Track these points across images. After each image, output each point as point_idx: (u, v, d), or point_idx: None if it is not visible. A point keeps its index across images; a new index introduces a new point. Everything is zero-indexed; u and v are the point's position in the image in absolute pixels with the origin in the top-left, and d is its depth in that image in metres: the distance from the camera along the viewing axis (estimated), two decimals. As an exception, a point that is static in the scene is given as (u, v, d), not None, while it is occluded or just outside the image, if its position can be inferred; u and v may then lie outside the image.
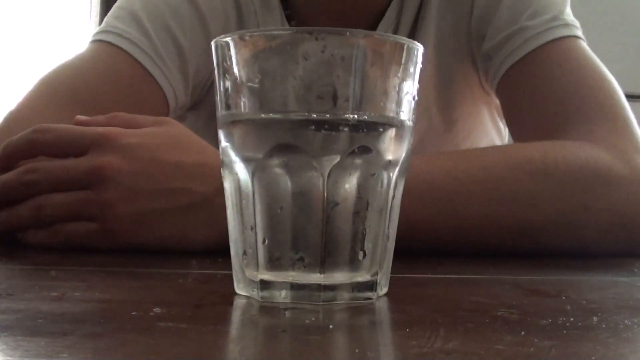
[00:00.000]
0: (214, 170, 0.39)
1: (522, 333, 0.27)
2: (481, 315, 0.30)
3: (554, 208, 0.54)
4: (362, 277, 0.32)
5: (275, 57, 0.32)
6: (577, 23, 0.71)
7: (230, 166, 0.33)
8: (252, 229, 0.32)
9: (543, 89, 0.68)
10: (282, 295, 0.31)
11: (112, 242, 0.48)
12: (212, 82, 0.74)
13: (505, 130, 0.87)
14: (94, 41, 0.72)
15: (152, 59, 0.71)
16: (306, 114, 0.31)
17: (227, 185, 0.34)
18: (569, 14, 0.71)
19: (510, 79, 0.71)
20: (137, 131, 0.50)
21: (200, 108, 0.81)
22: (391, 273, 0.35)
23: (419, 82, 0.34)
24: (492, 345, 0.25)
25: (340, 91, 0.31)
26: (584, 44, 0.70)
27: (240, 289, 0.33)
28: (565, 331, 0.28)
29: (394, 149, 0.33)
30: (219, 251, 0.43)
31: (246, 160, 0.32)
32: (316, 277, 0.31)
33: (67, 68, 0.71)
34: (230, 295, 0.33)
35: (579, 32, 0.71)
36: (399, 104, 0.32)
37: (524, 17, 0.70)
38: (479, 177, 0.54)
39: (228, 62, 0.32)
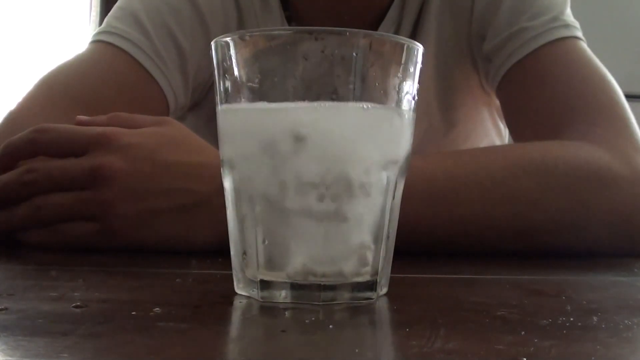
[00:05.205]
0: (214, 170, 0.39)
1: (522, 333, 0.27)
2: (481, 315, 0.30)
3: (554, 208, 0.54)
4: (362, 277, 0.32)
5: (275, 57, 0.32)
6: (577, 24, 0.71)
7: (230, 166, 0.33)
8: (252, 229, 0.32)
9: (543, 90, 0.68)
10: (282, 295, 0.31)
11: (112, 242, 0.48)
12: (213, 83, 0.74)
13: (505, 131, 0.87)
14: (94, 41, 0.72)
15: (152, 59, 0.71)
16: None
17: (227, 185, 0.34)
18: (569, 15, 0.71)
19: (511, 80, 0.71)
20: (137, 131, 0.50)
21: (201, 108, 0.81)
22: (391, 273, 0.35)
23: (420, 83, 0.34)
24: (492, 345, 0.25)
25: (340, 91, 0.31)
26: (584, 45, 0.70)
27: (240, 289, 0.33)
28: (565, 331, 0.28)
29: (394, 148, 0.33)
30: (219, 251, 0.43)
31: (246, 159, 0.32)
32: (316, 277, 0.31)
33: (67, 68, 0.71)
34: (230, 295, 0.33)
35: (579, 33, 0.71)
36: (398, 103, 0.32)
37: (524, 18, 0.70)
38: (479, 177, 0.54)
39: (228, 62, 0.32)
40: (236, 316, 0.30)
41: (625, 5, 2.08)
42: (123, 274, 0.40)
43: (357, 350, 0.25)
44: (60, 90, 0.68)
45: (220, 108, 0.34)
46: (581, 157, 0.57)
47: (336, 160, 0.31)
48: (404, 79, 0.33)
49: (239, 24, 0.77)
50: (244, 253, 0.33)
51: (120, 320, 0.27)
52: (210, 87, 0.78)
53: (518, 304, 0.34)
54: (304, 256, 0.31)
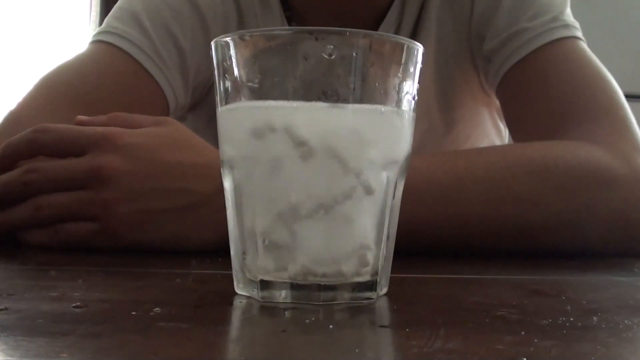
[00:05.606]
0: (214, 170, 0.39)
1: (522, 333, 0.27)
2: (481, 315, 0.30)
3: (554, 208, 0.54)
4: (362, 277, 0.32)
5: (276, 57, 0.32)
6: (577, 24, 0.71)
7: (230, 166, 0.33)
8: (252, 229, 0.32)
9: (543, 90, 0.68)
10: (282, 295, 0.31)
11: (112, 242, 0.48)
12: (213, 83, 0.74)
13: (505, 131, 0.87)
14: (94, 41, 0.72)
15: (153, 59, 0.71)
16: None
17: (227, 185, 0.34)
18: (568, 15, 0.71)
19: (511, 80, 0.71)
20: (137, 131, 0.50)
21: (201, 108, 0.81)
22: (391, 273, 0.35)
23: (420, 83, 0.34)
24: (492, 345, 0.25)
25: (340, 91, 0.31)
26: (583, 45, 0.70)
27: (240, 289, 0.33)
28: (565, 331, 0.28)
29: (394, 148, 0.33)
30: (219, 251, 0.43)
31: (246, 159, 0.32)
32: (316, 277, 0.31)
33: (67, 68, 0.71)
34: (230, 295, 0.33)
35: (579, 33, 0.71)
36: (399, 103, 0.32)
37: (524, 18, 0.70)
38: (479, 177, 0.54)
39: (228, 62, 0.32)
40: (236, 316, 0.30)
41: (625, 5, 2.08)
42: (123, 274, 0.40)
43: (357, 350, 0.25)
44: (61, 90, 0.68)
45: (220, 108, 0.34)
46: (581, 157, 0.57)
47: (336, 160, 0.31)
48: (404, 79, 0.33)
49: (239, 24, 0.77)
50: (244, 253, 0.33)
51: (120, 320, 0.27)
52: (210, 87, 0.78)
53: (518, 304, 0.34)
54: (304, 256, 0.31)
